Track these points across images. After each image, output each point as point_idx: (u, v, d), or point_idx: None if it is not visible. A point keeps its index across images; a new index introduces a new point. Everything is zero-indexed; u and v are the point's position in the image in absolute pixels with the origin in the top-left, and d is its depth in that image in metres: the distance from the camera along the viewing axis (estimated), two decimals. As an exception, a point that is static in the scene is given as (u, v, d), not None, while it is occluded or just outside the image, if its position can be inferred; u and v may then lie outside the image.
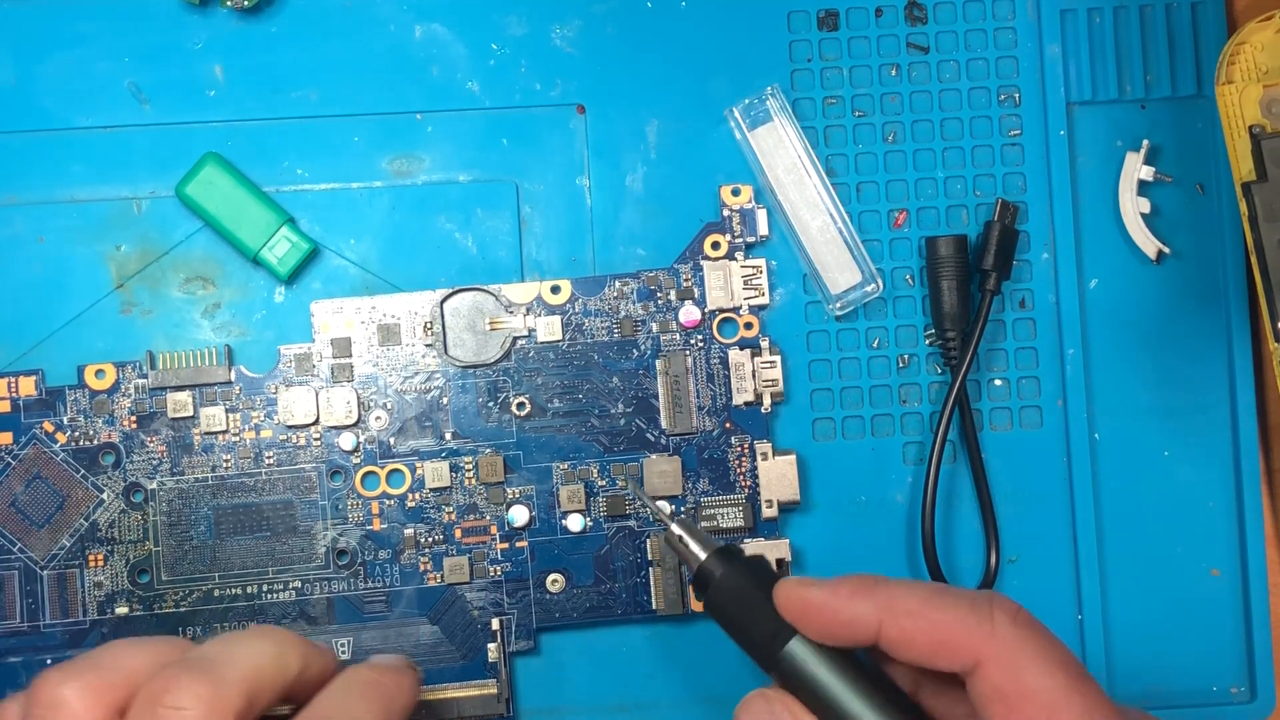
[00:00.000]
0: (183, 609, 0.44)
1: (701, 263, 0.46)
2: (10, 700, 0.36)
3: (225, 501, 0.45)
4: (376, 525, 0.45)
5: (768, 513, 0.45)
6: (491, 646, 0.45)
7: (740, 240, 0.46)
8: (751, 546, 0.45)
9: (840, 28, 0.47)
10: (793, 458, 0.46)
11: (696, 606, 0.45)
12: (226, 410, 0.45)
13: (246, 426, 0.45)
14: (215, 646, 0.36)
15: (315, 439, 0.45)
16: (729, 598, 0.38)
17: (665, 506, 0.45)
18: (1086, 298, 0.47)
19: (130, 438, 0.45)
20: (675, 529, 0.40)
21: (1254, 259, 0.44)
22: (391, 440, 0.45)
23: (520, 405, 0.45)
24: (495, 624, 0.45)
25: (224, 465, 0.45)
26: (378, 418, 0.45)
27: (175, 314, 0.46)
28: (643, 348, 0.46)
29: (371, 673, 0.38)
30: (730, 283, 0.46)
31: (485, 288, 0.46)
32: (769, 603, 0.36)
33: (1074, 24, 0.47)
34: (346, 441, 0.45)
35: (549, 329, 0.45)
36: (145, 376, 0.45)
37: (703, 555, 0.39)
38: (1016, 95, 0.47)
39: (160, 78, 0.46)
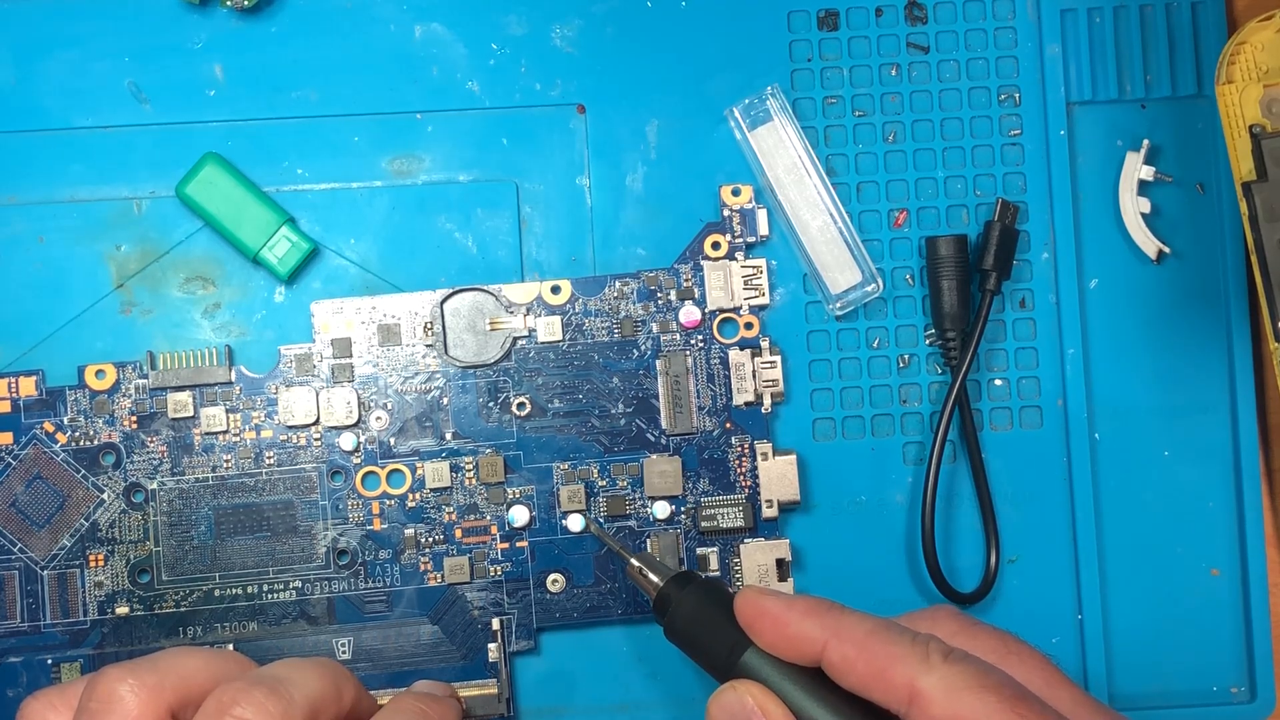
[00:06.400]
0: (183, 609, 0.44)
1: (701, 263, 0.46)
2: (68, 687, 0.38)
3: (225, 501, 0.45)
4: (377, 525, 0.45)
5: (768, 513, 0.45)
6: (492, 646, 0.45)
7: (740, 240, 0.46)
8: (751, 546, 0.45)
9: (840, 27, 0.47)
10: (793, 458, 0.46)
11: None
12: (227, 410, 0.45)
13: (247, 427, 0.45)
14: (282, 669, 0.37)
15: (315, 439, 0.45)
16: (687, 618, 0.39)
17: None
18: (1086, 298, 0.47)
19: (130, 438, 0.45)
20: (634, 561, 0.41)
21: (1254, 259, 0.44)
22: (392, 440, 0.45)
23: (520, 405, 0.45)
24: (495, 624, 0.45)
25: (224, 465, 0.45)
26: (378, 418, 0.45)
27: (175, 314, 0.46)
28: (643, 348, 0.46)
29: (418, 702, 0.40)
30: (730, 283, 0.46)
31: (485, 288, 0.46)
32: (726, 619, 0.38)
33: (1074, 24, 0.47)
34: (347, 442, 0.45)
35: (549, 329, 0.46)
36: (145, 376, 0.45)
37: (660, 582, 0.41)
38: (1016, 95, 0.47)
39: (160, 78, 0.46)
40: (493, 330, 0.46)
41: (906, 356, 0.47)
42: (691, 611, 0.39)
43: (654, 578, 0.41)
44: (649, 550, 0.45)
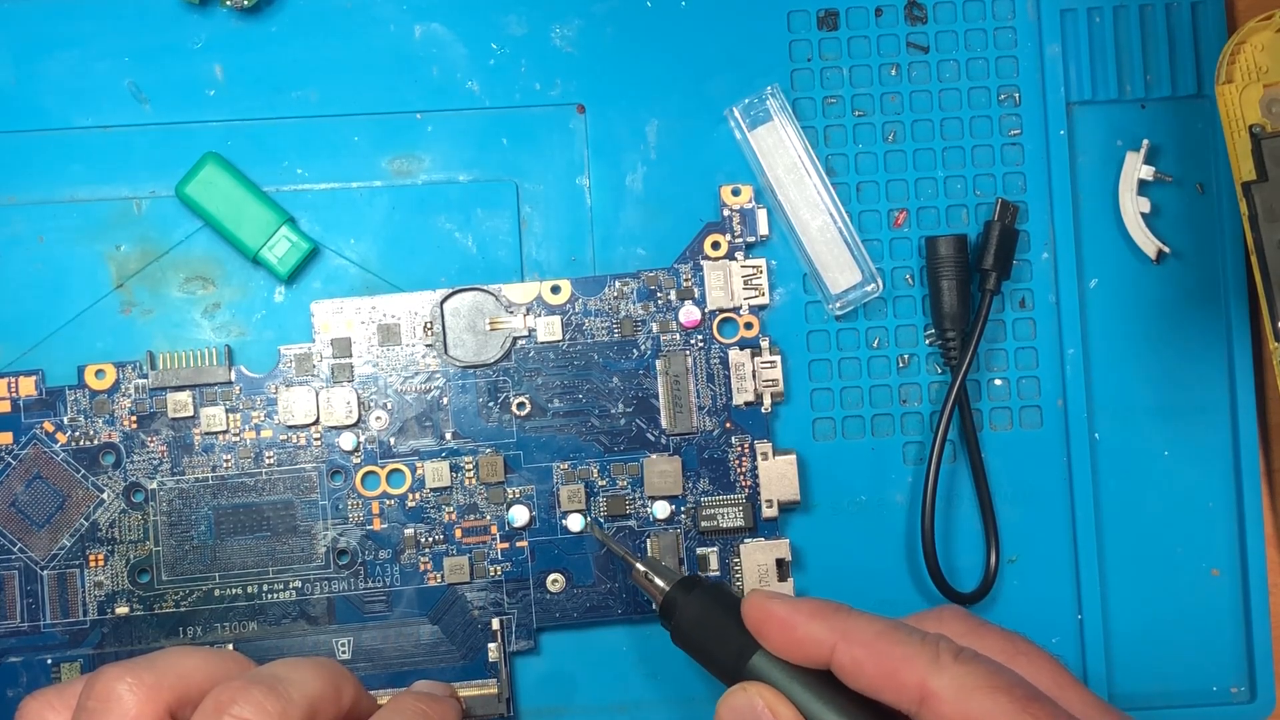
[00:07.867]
0: (183, 609, 0.44)
1: (701, 263, 0.46)
2: (66, 686, 0.38)
3: (225, 501, 0.45)
4: (377, 525, 0.45)
5: (768, 513, 0.45)
6: (492, 646, 0.45)
7: (740, 240, 0.46)
8: (751, 546, 0.45)
9: (840, 27, 0.47)
10: (793, 458, 0.46)
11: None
12: (227, 410, 0.45)
13: (246, 426, 0.45)
14: (280, 668, 0.37)
15: (315, 439, 0.45)
16: (694, 623, 0.39)
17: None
18: (1086, 298, 0.47)
19: (130, 438, 0.45)
20: (640, 566, 0.41)
21: (1254, 259, 0.44)
22: (392, 440, 0.45)
23: (520, 405, 0.45)
24: (495, 624, 0.45)
25: (224, 465, 0.45)
26: (378, 418, 0.45)
27: (175, 314, 0.46)
28: (643, 348, 0.46)
29: (418, 702, 0.40)
30: (730, 283, 0.46)
31: (485, 288, 0.46)
32: (733, 623, 0.38)
33: (1074, 24, 0.47)
34: (346, 441, 0.45)
35: (549, 329, 0.46)
36: (145, 376, 0.45)
37: (666, 587, 0.40)
38: (1016, 95, 0.47)
39: (160, 78, 0.46)
40: (493, 330, 0.46)
41: (906, 356, 0.47)
42: (698, 616, 0.39)
43: (660, 583, 0.41)
44: (649, 551, 0.45)
